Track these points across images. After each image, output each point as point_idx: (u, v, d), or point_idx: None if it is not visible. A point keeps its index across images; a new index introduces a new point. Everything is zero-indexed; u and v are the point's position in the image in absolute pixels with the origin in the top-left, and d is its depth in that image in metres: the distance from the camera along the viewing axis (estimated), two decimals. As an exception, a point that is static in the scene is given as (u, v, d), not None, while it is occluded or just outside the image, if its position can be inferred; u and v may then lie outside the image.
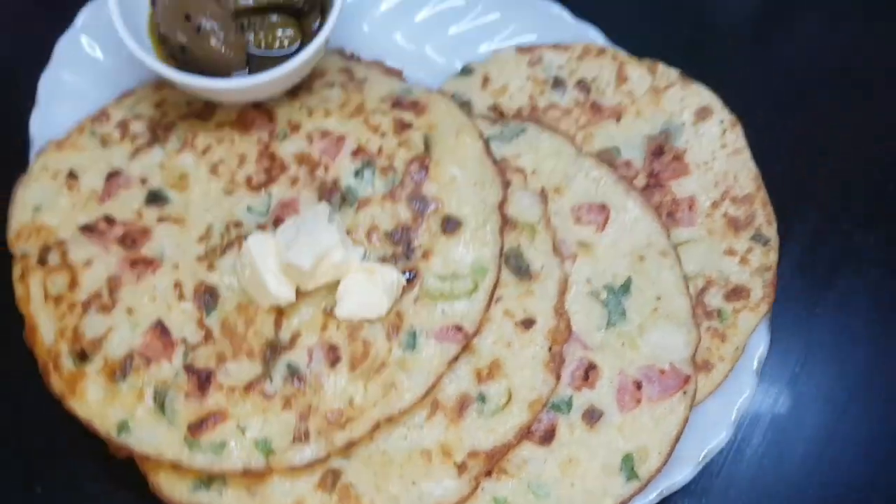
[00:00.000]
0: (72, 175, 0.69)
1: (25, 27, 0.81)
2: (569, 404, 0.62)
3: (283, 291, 0.62)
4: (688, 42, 0.81)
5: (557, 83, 0.74)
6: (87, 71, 0.76)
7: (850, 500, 0.65)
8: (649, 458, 0.60)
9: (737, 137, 0.68)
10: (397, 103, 0.72)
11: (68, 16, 0.77)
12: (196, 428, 0.58)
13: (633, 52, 0.74)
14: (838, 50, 0.81)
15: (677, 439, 0.60)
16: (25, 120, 0.73)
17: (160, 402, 0.59)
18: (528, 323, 0.63)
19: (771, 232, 0.65)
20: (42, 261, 0.65)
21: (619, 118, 0.72)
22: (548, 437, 0.61)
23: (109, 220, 0.66)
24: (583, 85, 0.73)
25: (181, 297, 0.63)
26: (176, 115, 0.73)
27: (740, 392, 0.63)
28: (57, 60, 0.75)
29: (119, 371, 0.60)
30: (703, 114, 0.69)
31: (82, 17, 0.77)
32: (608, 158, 0.71)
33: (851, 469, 0.65)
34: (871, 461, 0.66)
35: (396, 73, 0.78)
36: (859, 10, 0.82)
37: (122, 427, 0.58)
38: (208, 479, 0.58)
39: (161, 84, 0.74)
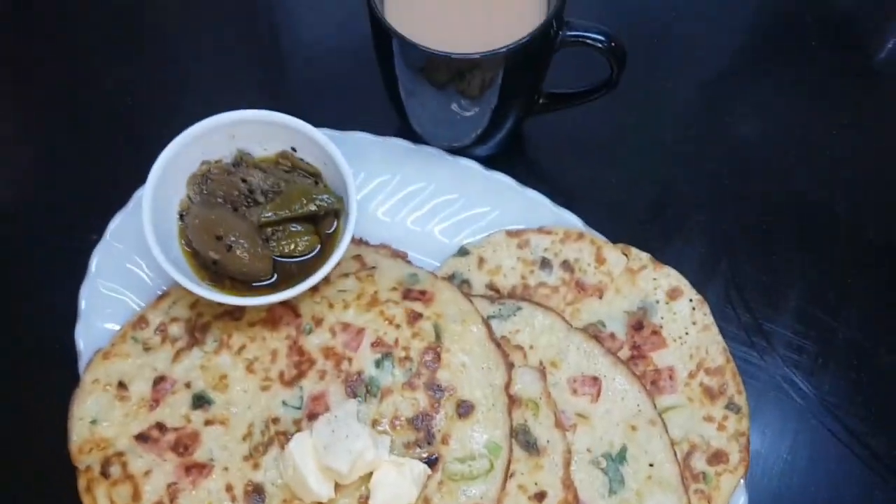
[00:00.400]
0: (121, 385, 0.77)
1: (63, 240, 0.88)
2: (582, 569, 0.70)
3: (323, 489, 0.70)
4: (656, 211, 0.92)
5: (545, 264, 0.84)
6: (123, 278, 0.83)
7: None
8: None
9: (705, 315, 0.79)
10: (407, 293, 0.81)
11: (101, 224, 0.86)
12: None
13: (606, 231, 0.85)
14: (785, 205, 0.93)
15: None
16: (71, 332, 0.81)
17: None
18: (540, 496, 0.72)
19: (741, 400, 0.76)
20: (105, 473, 0.72)
21: (601, 295, 0.82)
22: None
23: (161, 428, 0.74)
24: (567, 265, 0.84)
25: (233, 498, 0.71)
26: (210, 316, 0.81)
27: (727, 547, 0.73)
28: (94, 271, 0.83)
29: (187, 575, 0.67)
30: (674, 294, 0.80)
31: (113, 226, 0.85)
32: (595, 332, 0.81)
33: None
34: None
35: (402, 256, 0.87)
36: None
37: None
38: None
39: (193, 286, 0.83)
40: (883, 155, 0.95)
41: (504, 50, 0.71)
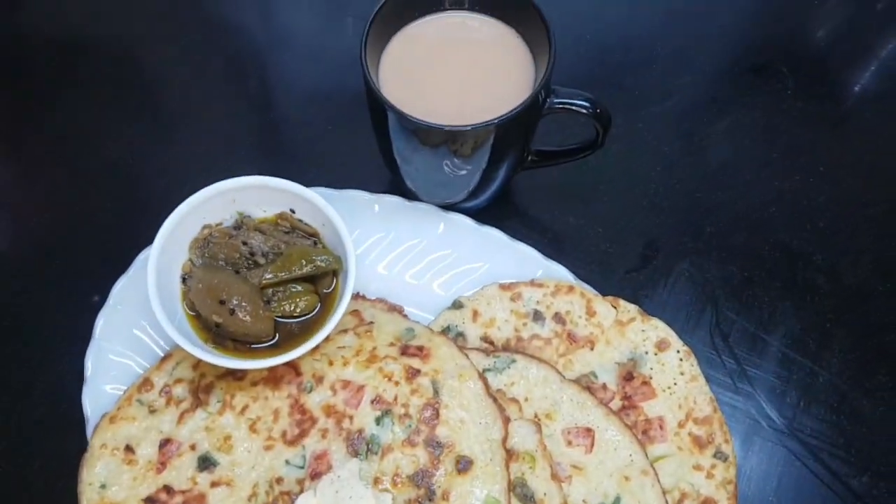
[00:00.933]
0: (128, 448, 0.78)
1: (67, 303, 0.91)
2: None
3: (329, 549, 0.72)
4: (642, 259, 0.95)
5: (537, 316, 0.87)
6: (127, 341, 0.85)
7: None
8: None
9: (692, 366, 0.82)
10: (405, 349, 0.84)
11: (103, 286, 0.88)
12: None
13: (594, 281, 0.88)
14: (766, 253, 0.97)
15: None
16: (78, 397, 0.83)
17: None
18: (538, 548, 0.75)
19: (728, 449, 0.79)
20: (114, 538, 0.74)
21: (592, 347, 0.85)
22: None
23: (169, 491, 0.76)
24: (558, 318, 0.87)
25: (242, 561, 0.73)
26: (213, 376, 0.83)
27: (719, 592, 0.76)
28: (98, 335, 0.85)
29: None
30: (662, 345, 0.84)
31: (116, 289, 0.88)
32: (587, 383, 0.84)
33: None
34: None
35: (398, 310, 0.90)
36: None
37: None
38: None
39: (196, 347, 0.85)
40: (854, 203, 0.99)
41: (496, 121, 0.74)
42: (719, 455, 0.79)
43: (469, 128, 0.74)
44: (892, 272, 0.94)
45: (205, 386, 0.83)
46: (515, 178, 0.97)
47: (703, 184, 1.01)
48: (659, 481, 0.77)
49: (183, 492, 0.76)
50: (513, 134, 0.81)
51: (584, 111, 0.80)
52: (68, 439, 0.81)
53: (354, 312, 0.89)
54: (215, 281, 0.82)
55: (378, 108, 0.78)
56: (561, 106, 0.80)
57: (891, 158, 1.03)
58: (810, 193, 0.99)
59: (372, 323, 0.87)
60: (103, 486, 0.76)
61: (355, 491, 0.73)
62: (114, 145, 1.02)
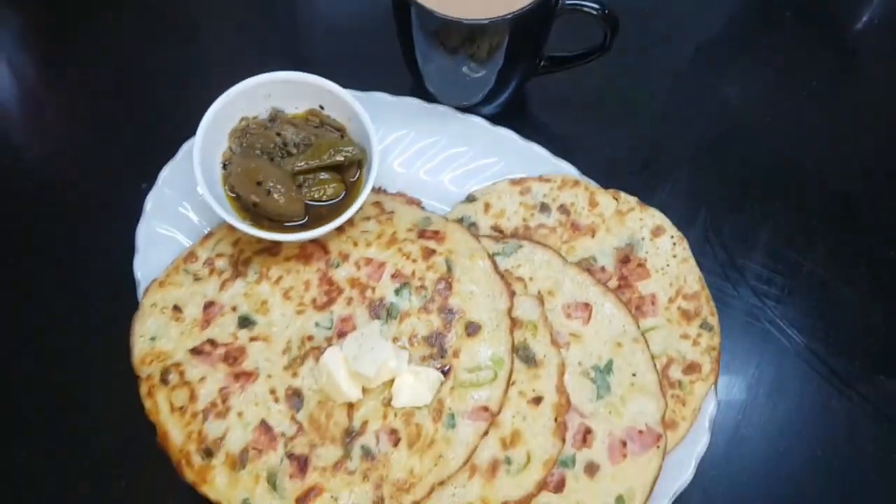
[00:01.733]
0: (176, 308, 0.88)
1: (123, 181, 1.00)
2: (573, 461, 0.82)
3: (352, 392, 0.82)
4: (643, 165, 1.03)
5: (544, 208, 0.95)
6: (173, 219, 0.95)
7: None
8: (635, 498, 0.80)
9: (684, 249, 0.90)
10: (422, 233, 0.92)
11: (154, 172, 0.97)
12: (301, 500, 0.77)
13: (599, 181, 0.96)
14: (760, 158, 1.04)
15: (655, 482, 0.80)
16: (132, 262, 0.93)
17: (272, 483, 0.78)
18: (537, 400, 0.83)
19: (714, 321, 0.87)
20: (164, 380, 0.84)
21: (593, 234, 0.93)
22: (560, 486, 0.81)
23: (212, 343, 0.86)
24: (563, 209, 0.95)
25: (276, 400, 0.82)
26: (251, 252, 0.93)
27: (698, 442, 0.84)
28: (148, 213, 0.94)
29: (238, 462, 0.79)
30: (657, 231, 0.91)
31: (164, 174, 0.97)
32: (587, 266, 0.92)
33: (783, 489, 0.87)
34: (797, 483, 0.87)
35: (416, 202, 0.99)
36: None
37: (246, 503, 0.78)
38: (312, 537, 0.78)
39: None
40: (845, 117, 1.05)
41: (510, 16, 0.82)
42: (705, 326, 0.87)
43: (487, 21, 0.82)
44: (875, 178, 1.01)
45: (244, 260, 0.92)
46: (528, 87, 1.04)
47: (705, 97, 1.08)
48: (649, 348, 0.86)
49: (225, 345, 0.86)
50: (526, 34, 0.88)
51: (593, 12, 0.87)
52: (121, 303, 0.91)
53: (376, 204, 0.97)
54: (253, 166, 0.91)
55: (401, 7, 0.86)
56: (572, 6, 0.87)
57: (882, 75, 1.09)
58: (803, 106, 1.06)
59: (392, 212, 0.96)
60: (153, 339, 0.86)
61: (377, 344, 0.82)
62: (159, 47, 1.11)
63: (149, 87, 1.09)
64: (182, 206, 0.96)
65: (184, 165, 0.96)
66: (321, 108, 0.96)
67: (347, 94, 0.92)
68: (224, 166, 0.94)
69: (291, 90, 0.94)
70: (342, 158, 0.92)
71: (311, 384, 0.84)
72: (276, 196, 0.89)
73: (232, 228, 0.94)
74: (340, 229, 0.93)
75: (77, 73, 1.11)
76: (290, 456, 0.79)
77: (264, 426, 0.81)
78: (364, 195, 0.89)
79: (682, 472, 0.83)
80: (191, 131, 0.90)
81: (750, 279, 0.96)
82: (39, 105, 1.10)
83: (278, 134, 0.94)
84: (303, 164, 0.92)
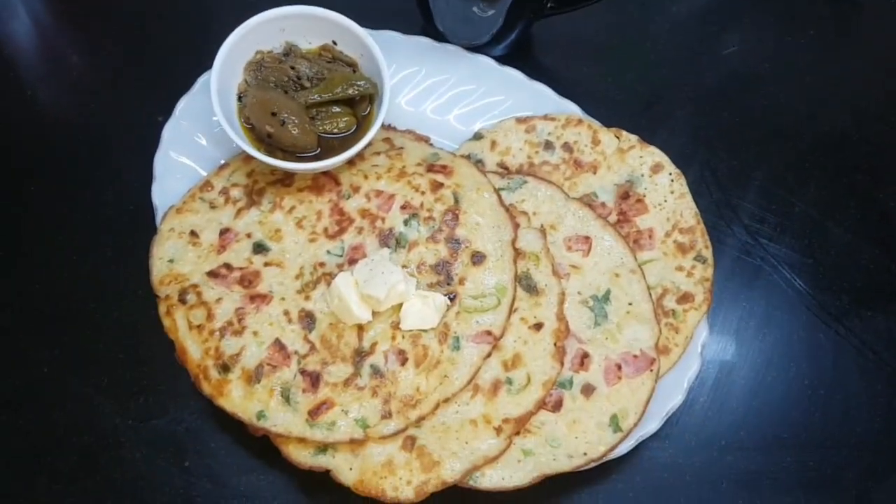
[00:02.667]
0: (193, 233, 0.92)
1: (139, 115, 1.03)
2: (571, 383, 0.86)
3: (363, 314, 0.85)
4: (645, 106, 1.06)
5: (548, 145, 0.99)
6: (189, 149, 0.97)
7: (769, 437, 0.91)
8: (629, 417, 0.85)
9: (681, 185, 0.93)
10: (431, 167, 0.96)
11: (169, 105, 0.99)
12: (313, 413, 0.82)
13: (601, 121, 0.99)
14: (757, 103, 1.07)
15: (648, 403, 0.85)
16: (148, 191, 0.96)
17: (286, 397, 0.83)
18: (538, 326, 0.88)
19: (708, 254, 0.91)
20: (182, 300, 0.88)
21: (595, 171, 0.97)
22: (557, 406, 0.85)
23: (228, 267, 0.90)
24: (567, 147, 0.98)
25: (290, 321, 0.86)
26: (265, 182, 0.96)
27: (690, 367, 0.88)
28: (165, 142, 0.97)
29: (254, 377, 0.83)
30: (656, 168, 0.95)
31: (181, 106, 0.99)
32: (589, 201, 0.96)
33: (770, 415, 0.92)
34: (784, 409, 0.92)
35: (425, 139, 1.02)
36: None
37: (260, 415, 0.82)
38: (324, 447, 0.82)
39: (250, 157, 0.96)
40: (837, 63, 1.09)
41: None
42: (699, 258, 0.91)
43: (496, -43, 0.84)
44: (865, 122, 1.04)
45: (258, 190, 0.95)
46: (535, 30, 1.07)
47: (707, 45, 1.11)
48: (645, 279, 0.90)
49: (240, 269, 0.90)
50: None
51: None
52: (140, 229, 0.94)
53: (386, 140, 1.00)
54: (268, 97, 0.93)
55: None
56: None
57: (877, 24, 1.11)
58: (799, 52, 1.09)
59: (402, 148, 0.99)
60: (171, 261, 0.90)
61: (387, 268, 0.86)
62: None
63: (165, 23, 1.11)
64: (197, 136, 0.98)
65: (200, 98, 0.98)
66: (334, 43, 0.98)
67: (360, 29, 0.94)
68: (239, 98, 0.96)
69: (305, 25, 0.96)
70: (354, 92, 0.95)
71: (323, 308, 0.88)
72: (290, 127, 0.92)
73: (247, 160, 0.97)
74: (351, 163, 0.96)
75: (96, 10, 1.13)
76: (303, 372, 0.84)
77: (278, 344, 0.85)
78: (375, 127, 0.92)
79: (674, 394, 0.87)
80: (206, 66, 0.92)
81: (744, 218, 0.99)
82: (58, 41, 1.12)
83: (292, 67, 0.96)
84: (316, 97, 0.94)
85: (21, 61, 1.10)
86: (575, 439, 0.84)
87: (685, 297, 0.90)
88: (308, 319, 0.87)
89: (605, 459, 0.84)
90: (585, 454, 0.83)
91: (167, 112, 0.99)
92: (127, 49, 1.10)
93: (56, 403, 0.90)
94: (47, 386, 0.91)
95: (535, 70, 1.03)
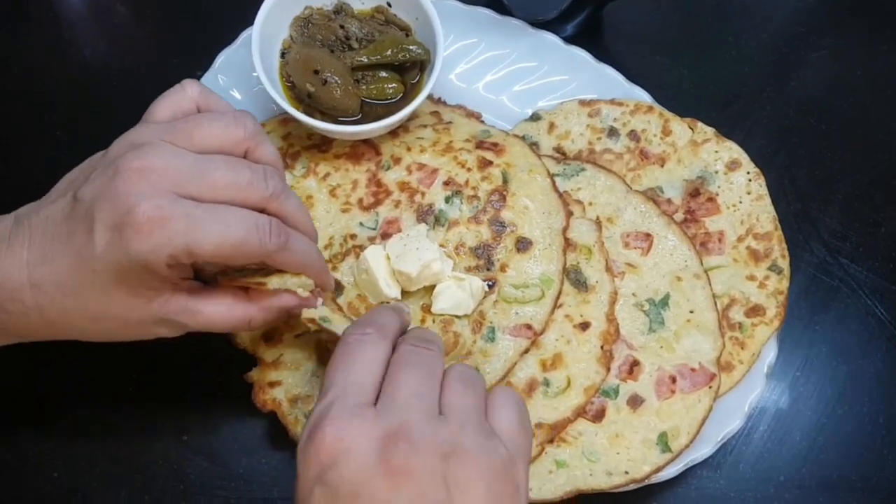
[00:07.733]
0: (222, 190, 0.85)
1: (179, 67, 0.97)
2: (616, 391, 0.77)
3: (391, 291, 0.78)
4: (723, 104, 0.97)
5: (612, 132, 0.90)
6: (225, 105, 0.93)
7: (833, 477, 0.80)
8: (680, 437, 0.75)
9: (760, 186, 0.84)
10: (480, 144, 0.88)
11: (205, 62, 0.94)
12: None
13: (674, 111, 0.90)
14: (845, 111, 0.97)
15: (703, 423, 0.75)
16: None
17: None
18: (584, 326, 0.79)
19: (784, 264, 0.81)
20: (208, 261, 0.81)
21: (662, 164, 0.88)
22: (599, 415, 0.76)
23: (255, 228, 0.83)
24: (633, 135, 0.89)
25: (315, 289, 0.79)
26: (300, 146, 0.89)
27: (753, 389, 0.78)
28: (201, 95, 0.92)
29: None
30: (733, 165, 0.85)
31: (220, 60, 0.94)
32: (653, 196, 0.87)
33: (837, 453, 0.81)
34: (853, 447, 0.81)
35: (476, 116, 0.94)
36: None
37: (268, 391, 0.75)
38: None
39: (286, 119, 0.90)
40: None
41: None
42: (774, 268, 0.81)
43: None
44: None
45: (292, 154, 0.89)
46: (605, 16, 0.98)
47: (794, 44, 1.01)
48: (710, 286, 0.80)
49: (267, 231, 0.82)
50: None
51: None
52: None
53: (434, 113, 0.93)
54: (312, 54, 0.87)
55: None
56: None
57: None
58: (891, 61, 0.99)
59: (450, 123, 0.91)
60: (198, 219, 0.83)
61: (422, 244, 0.78)
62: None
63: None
64: (233, 92, 0.92)
65: (241, 53, 0.93)
66: (388, 5, 0.91)
67: (417, -10, 0.87)
68: (283, 55, 0.90)
69: (359, -19, 0.90)
70: (405, 57, 0.88)
71: (350, 280, 0.80)
72: (332, 87, 0.85)
73: (284, 122, 0.91)
74: (394, 133, 0.89)
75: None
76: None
77: (302, 310, 0.77)
78: (423, 95, 0.84)
79: (732, 417, 0.77)
80: (251, 21, 0.86)
81: (823, 233, 0.89)
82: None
83: (342, 26, 0.90)
84: (363, 58, 0.87)
85: (67, 17, 1.06)
86: (616, 455, 0.74)
87: (755, 310, 0.80)
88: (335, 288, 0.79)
89: (648, 482, 0.74)
90: (627, 473, 0.73)
91: (207, 67, 0.93)
92: (170, 5, 1.05)
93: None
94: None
95: (603, 54, 0.95)
